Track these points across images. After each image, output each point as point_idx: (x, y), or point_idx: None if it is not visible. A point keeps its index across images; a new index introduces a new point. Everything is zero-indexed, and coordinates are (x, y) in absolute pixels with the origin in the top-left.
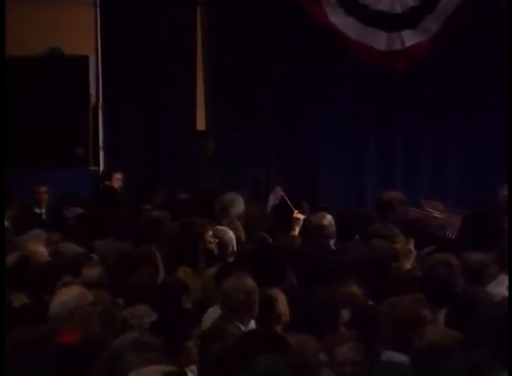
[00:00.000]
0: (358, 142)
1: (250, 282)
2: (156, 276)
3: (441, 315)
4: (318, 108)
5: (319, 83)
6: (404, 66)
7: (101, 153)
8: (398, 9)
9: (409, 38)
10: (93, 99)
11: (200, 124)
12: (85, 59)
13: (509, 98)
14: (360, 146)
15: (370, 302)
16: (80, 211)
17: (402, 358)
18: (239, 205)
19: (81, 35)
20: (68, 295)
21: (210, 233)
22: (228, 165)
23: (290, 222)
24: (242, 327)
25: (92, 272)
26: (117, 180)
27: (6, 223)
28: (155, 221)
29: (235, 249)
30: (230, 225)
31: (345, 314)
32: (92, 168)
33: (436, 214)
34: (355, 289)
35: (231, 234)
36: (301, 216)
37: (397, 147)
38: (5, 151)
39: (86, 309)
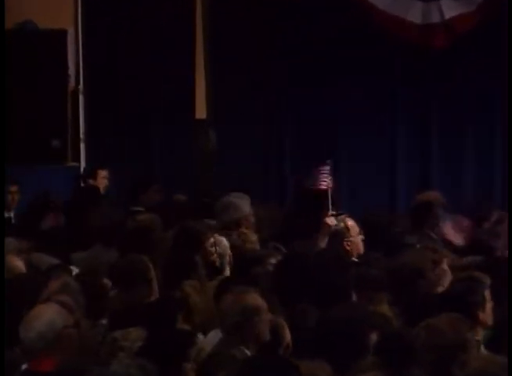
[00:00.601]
0: (387, 134)
1: (252, 300)
2: (150, 292)
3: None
4: (337, 94)
5: (337, 65)
6: (442, 43)
7: (82, 147)
8: None
9: (450, 9)
10: (72, 82)
11: (200, 112)
12: (63, 33)
13: (509, 98)
14: (389, 140)
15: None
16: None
17: None
18: (239, 209)
19: (57, 5)
20: (44, 316)
21: (212, 240)
22: (233, 160)
23: (311, 227)
24: (248, 353)
25: (54, 285)
26: (103, 179)
27: None
28: (146, 227)
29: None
30: (231, 233)
31: (373, 337)
32: (71, 164)
33: None
34: (385, 308)
35: (225, 242)
36: (333, 222)
37: (433, 139)
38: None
39: (65, 331)
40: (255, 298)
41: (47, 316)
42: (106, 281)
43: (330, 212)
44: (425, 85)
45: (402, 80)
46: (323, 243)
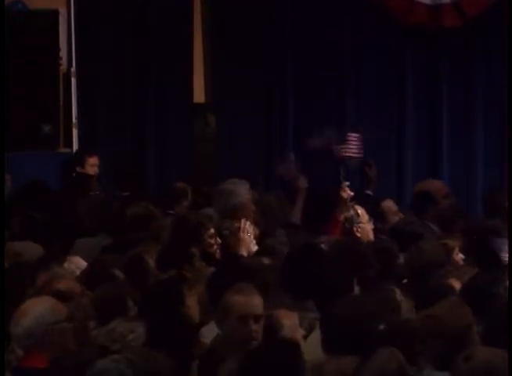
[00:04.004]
0: (394, 118)
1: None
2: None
3: None
4: (343, 79)
5: (345, 49)
6: (453, 23)
7: (74, 132)
8: None
9: None
10: (64, 64)
11: (199, 96)
12: (54, 13)
13: (509, 99)
14: (397, 127)
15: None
16: None
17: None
18: (234, 196)
19: None
20: (32, 311)
21: (212, 231)
22: (234, 146)
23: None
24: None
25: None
26: (92, 166)
27: None
28: (143, 216)
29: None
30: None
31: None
32: (63, 150)
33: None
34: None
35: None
36: (349, 193)
37: (444, 126)
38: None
39: (55, 327)
40: (253, 299)
41: (36, 311)
42: (118, 273)
43: (345, 183)
44: (435, 71)
45: (412, 65)
46: (341, 216)
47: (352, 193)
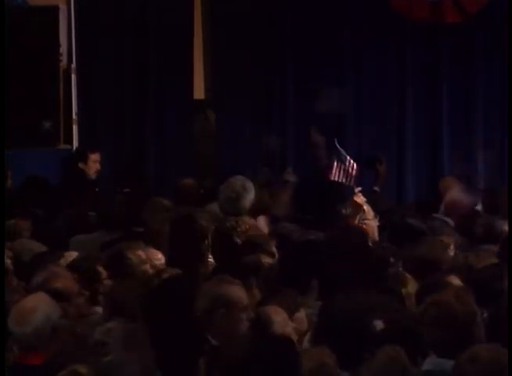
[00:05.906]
0: (395, 114)
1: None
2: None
3: None
4: (345, 76)
5: (346, 45)
6: (454, 19)
7: (74, 128)
8: None
9: None
10: (64, 60)
11: (199, 92)
12: (55, 9)
13: (509, 99)
14: (397, 124)
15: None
16: None
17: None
18: (252, 193)
19: None
20: (39, 309)
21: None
22: (234, 146)
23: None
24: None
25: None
26: (94, 163)
27: None
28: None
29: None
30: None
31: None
32: (64, 146)
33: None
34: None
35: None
36: (362, 199)
37: (444, 126)
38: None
39: (59, 323)
40: (234, 291)
41: (42, 309)
42: (101, 269)
43: (357, 189)
44: (435, 71)
45: (412, 65)
46: (355, 221)
47: (365, 199)
